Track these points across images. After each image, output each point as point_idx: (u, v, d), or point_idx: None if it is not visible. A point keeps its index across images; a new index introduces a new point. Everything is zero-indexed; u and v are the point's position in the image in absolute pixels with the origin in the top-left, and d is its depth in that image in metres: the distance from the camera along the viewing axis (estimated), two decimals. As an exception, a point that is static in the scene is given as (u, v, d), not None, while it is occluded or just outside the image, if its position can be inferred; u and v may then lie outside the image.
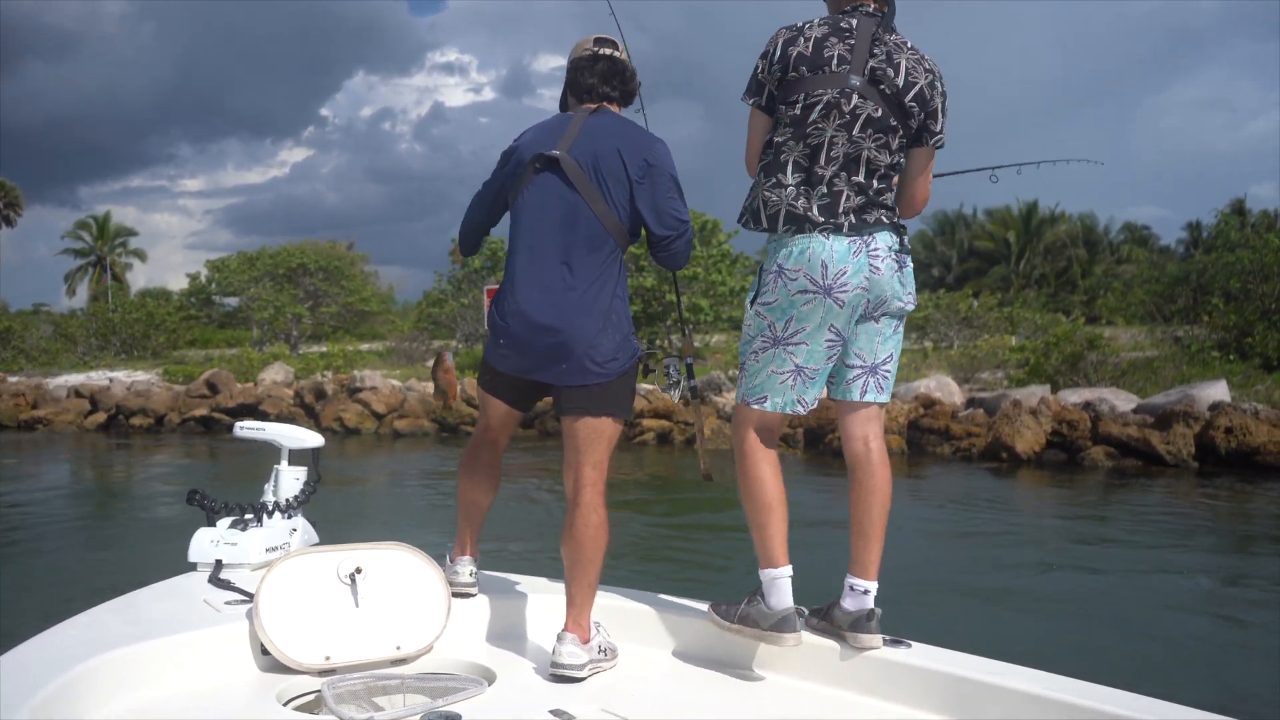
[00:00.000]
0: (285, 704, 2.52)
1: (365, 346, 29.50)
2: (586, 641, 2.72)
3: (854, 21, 2.70)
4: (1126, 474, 12.25)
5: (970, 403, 15.47)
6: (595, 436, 2.80)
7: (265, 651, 2.64)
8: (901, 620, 2.83)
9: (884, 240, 2.68)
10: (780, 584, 2.68)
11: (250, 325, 34.37)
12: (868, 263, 2.64)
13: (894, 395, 15.44)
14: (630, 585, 3.22)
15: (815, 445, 14.64)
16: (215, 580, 3.09)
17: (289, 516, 3.44)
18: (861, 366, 2.78)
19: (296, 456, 3.53)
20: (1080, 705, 2.27)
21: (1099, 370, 16.34)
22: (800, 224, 2.64)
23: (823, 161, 2.65)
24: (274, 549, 3.30)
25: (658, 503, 11.03)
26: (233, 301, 36.03)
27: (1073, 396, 14.42)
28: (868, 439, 2.81)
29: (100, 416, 20.92)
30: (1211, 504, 10.60)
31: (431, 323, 30.05)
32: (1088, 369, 16.30)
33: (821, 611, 2.84)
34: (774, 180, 2.69)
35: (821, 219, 2.63)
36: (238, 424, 3.68)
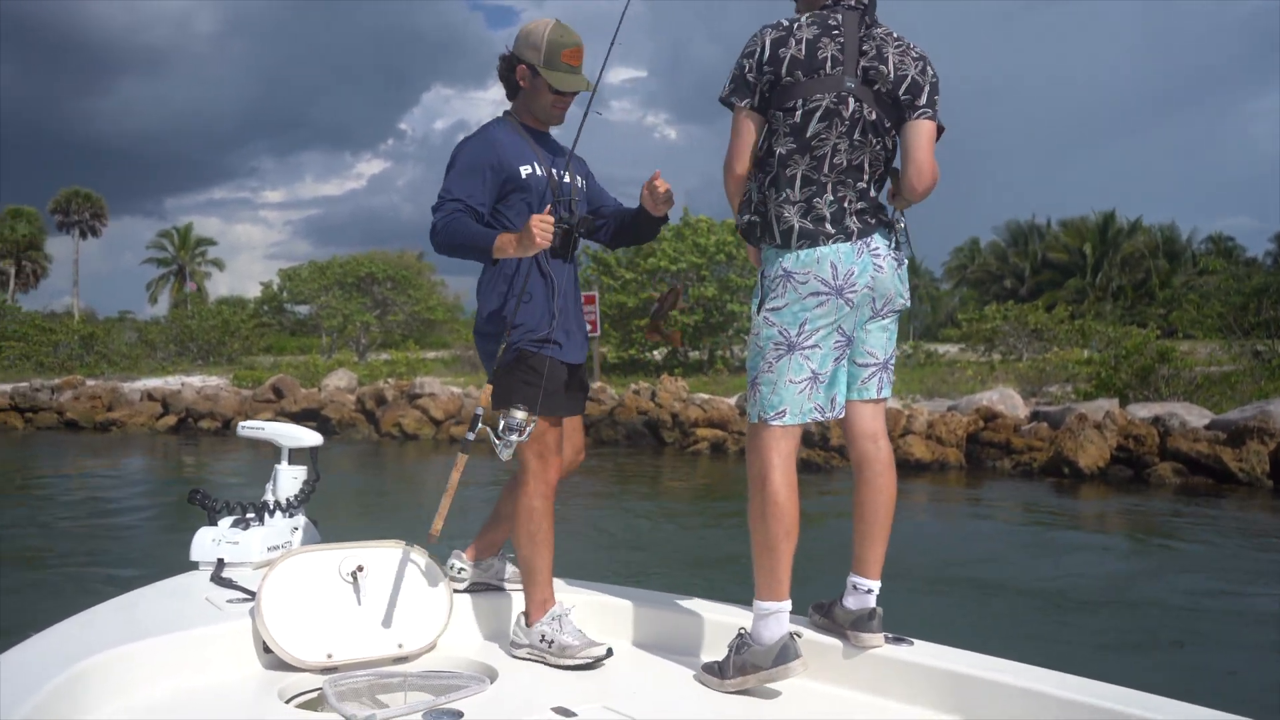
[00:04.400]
0: (287, 701, 2.53)
1: (430, 355, 29.88)
2: (530, 625, 2.85)
3: (839, 17, 2.62)
4: (1195, 491, 11.77)
5: (1034, 416, 15.04)
6: None
7: (267, 649, 2.66)
8: (945, 629, 2.76)
9: (879, 240, 2.66)
10: (779, 617, 2.58)
11: (320, 333, 35.10)
12: (871, 262, 2.62)
13: (953, 407, 15.22)
14: (663, 590, 3.19)
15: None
16: (217, 579, 3.11)
17: (290, 515, 3.47)
18: (875, 363, 2.75)
19: (296, 455, 3.56)
20: (1084, 703, 2.22)
21: (1171, 384, 15.77)
22: (814, 238, 2.59)
23: (826, 170, 2.61)
24: (275, 547, 3.33)
25: (705, 512, 10.93)
26: (304, 309, 36.86)
27: (1142, 411, 13.93)
28: (877, 437, 2.78)
29: (171, 419, 21.54)
30: (1285, 524, 10.13)
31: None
32: (1159, 383, 15.74)
33: (823, 608, 2.81)
34: (784, 195, 2.63)
35: (832, 230, 2.60)
36: (240, 424, 3.73)
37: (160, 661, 2.49)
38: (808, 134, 2.58)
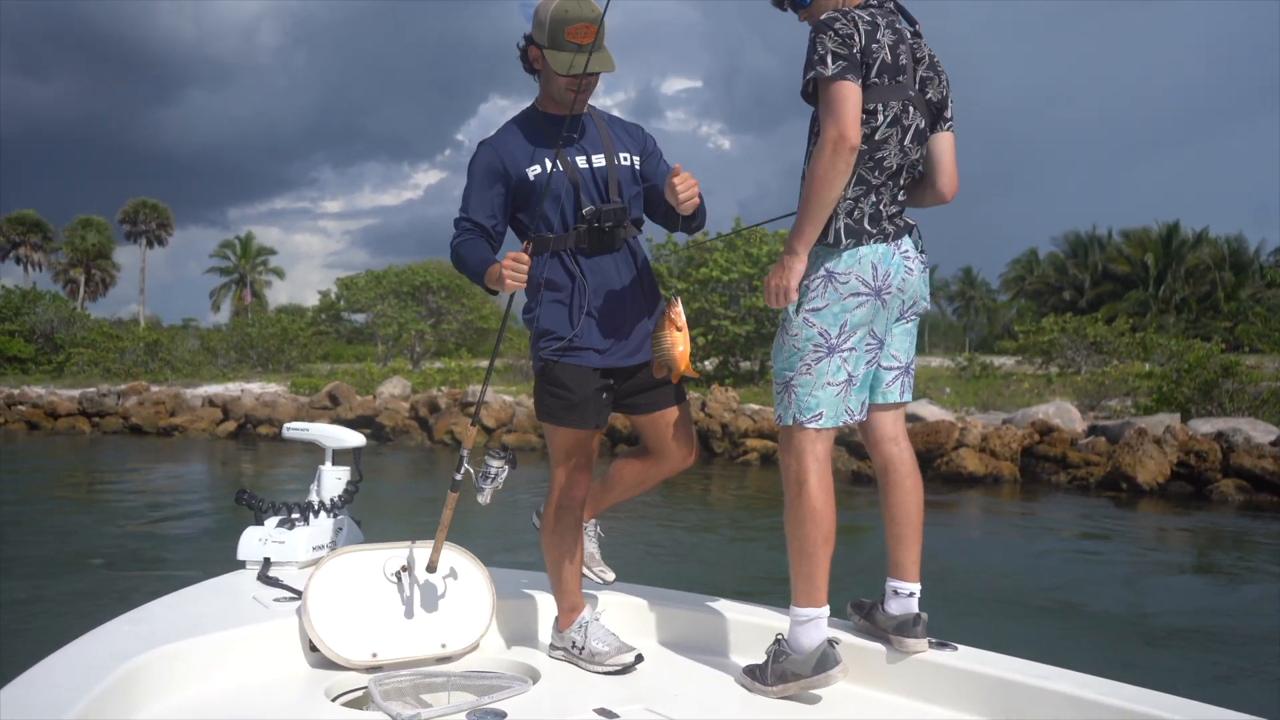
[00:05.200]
0: (333, 700, 2.56)
1: (483, 363, 30.14)
2: (562, 630, 2.86)
3: (894, 19, 2.63)
4: (1260, 509, 11.45)
5: (1092, 430, 14.75)
6: None
7: (313, 648, 2.69)
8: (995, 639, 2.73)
9: (908, 242, 2.68)
10: (818, 624, 2.57)
11: (376, 341, 35.59)
12: (903, 264, 2.63)
13: (1008, 420, 14.97)
14: (711, 594, 3.18)
15: (923, 470, 14.06)
16: (264, 578, 3.16)
17: (334, 515, 3.51)
18: (898, 367, 2.75)
19: (339, 456, 3.60)
20: (1128, 709, 2.19)
21: (1236, 399, 15.35)
22: (859, 237, 2.59)
23: (879, 173, 2.61)
24: (320, 547, 3.37)
25: (752, 522, 10.88)
26: (360, 318, 37.40)
27: (1204, 426, 13.59)
28: (899, 439, 2.78)
29: (230, 425, 22.01)
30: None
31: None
32: (1223, 397, 15.33)
33: (864, 610, 2.79)
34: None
35: (873, 230, 2.60)
36: (285, 425, 3.78)
37: (208, 659, 2.53)
38: (876, 137, 2.58)
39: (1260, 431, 13.12)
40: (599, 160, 2.78)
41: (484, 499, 2.70)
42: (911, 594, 2.70)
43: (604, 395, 2.78)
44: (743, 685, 2.66)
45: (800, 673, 2.53)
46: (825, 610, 2.58)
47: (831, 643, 2.54)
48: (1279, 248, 46.79)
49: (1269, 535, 10.07)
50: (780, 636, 2.61)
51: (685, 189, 2.63)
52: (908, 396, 2.79)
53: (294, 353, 33.02)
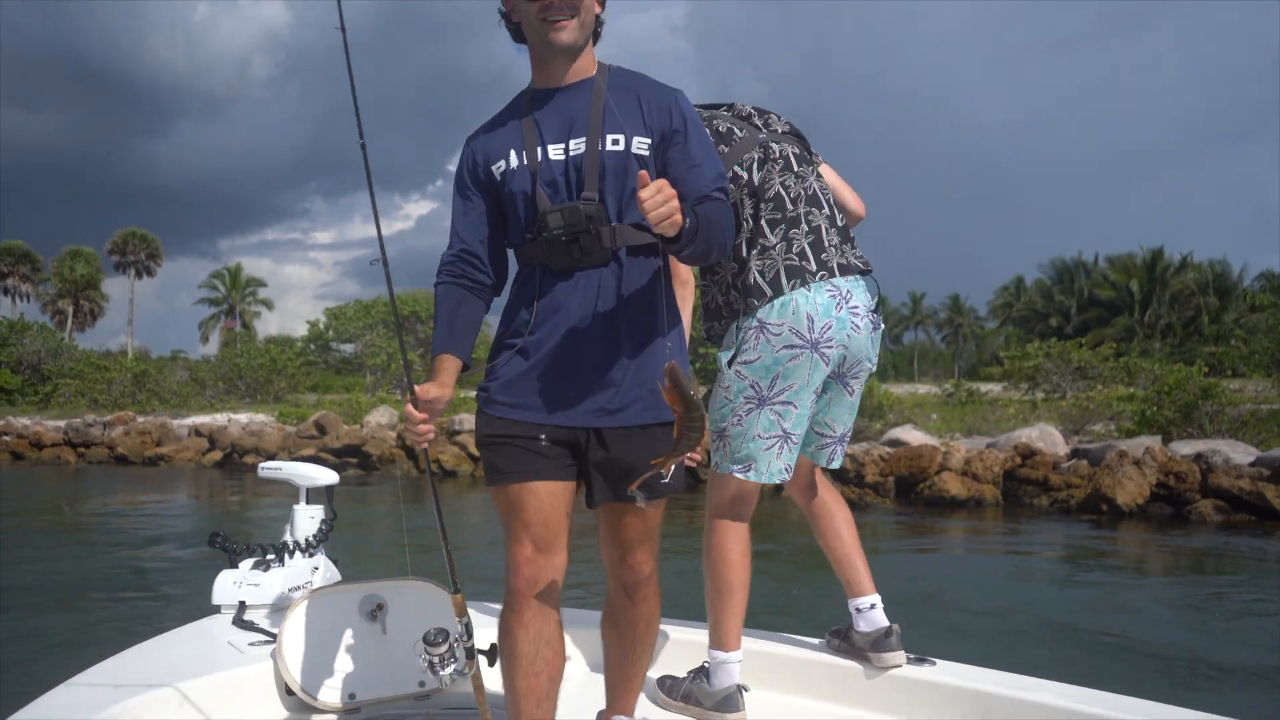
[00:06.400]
0: None
1: (470, 393, 30.11)
2: None
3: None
4: (1238, 528, 11.52)
5: (1074, 453, 14.83)
6: None
7: (289, 691, 2.64)
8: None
9: (861, 299, 2.60)
10: (729, 668, 2.61)
11: (364, 371, 35.60)
12: (850, 319, 2.55)
13: (992, 445, 15.03)
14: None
15: (906, 494, 14.24)
16: (239, 621, 3.09)
17: (309, 555, 3.41)
18: (831, 437, 2.73)
19: (313, 495, 3.54)
20: (1109, 718, 2.20)
21: (1216, 421, 15.46)
22: (797, 277, 2.55)
23: (786, 208, 2.64)
24: (296, 588, 3.27)
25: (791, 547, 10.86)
26: (349, 348, 37.45)
27: (1184, 448, 13.67)
28: (815, 476, 2.83)
29: (216, 454, 21.94)
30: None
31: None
32: (1203, 419, 15.44)
33: (840, 633, 2.82)
34: (758, 248, 2.61)
35: (810, 267, 2.57)
36: (260, 465, 3.73)
37: (184, 707, 2.49)
38: (756, 182, 2.70)
39: (1239, 452, 13.20)
40: (578, 145, 2.08)
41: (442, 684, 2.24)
42: (873, 605, 2.72)
43: (539, 441, 2.08)
44: (652, 687, 2.74)
45: (703, 703, 2.61)
46: (737, 654, 2.61)
47: (741, 689, 2.58)
48: (1263, 272, 47.22)
49: (1248, 552, 10.13)
50: (706, 664, 2.66)
51: (653, 205, 1.82)
52: (837, 464, 2.75)
53: (282, 383, 32.97)
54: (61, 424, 25.27)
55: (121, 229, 55.79)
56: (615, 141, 2.06)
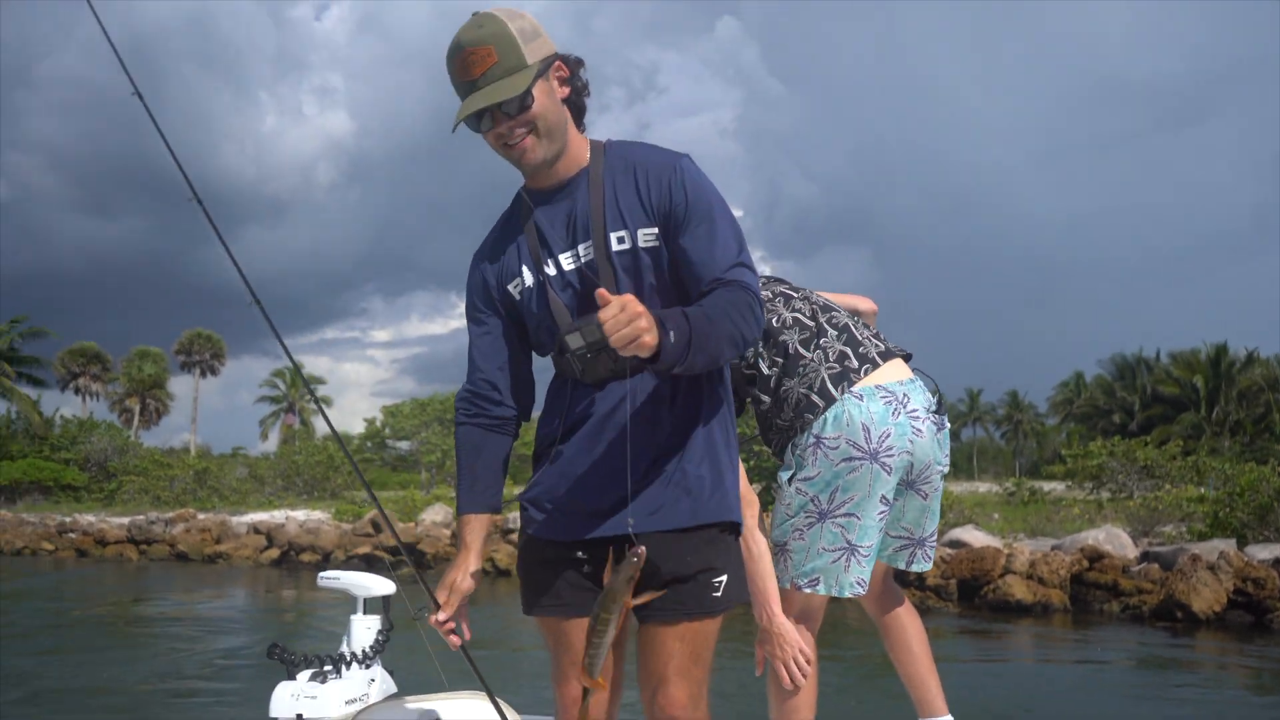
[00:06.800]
0: None
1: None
2: None
3: None
4: (1324, 639, 10.98)
5: (1144, 557, 14.34)
6: None
7: None
8: None
9: (919, 400, 2.54)
10: None
11: (420, 468, 35.87)
12: (909, 424, 2.49)
13: (1057, 547, 14.62)
14: None
15: (969, 597, 13.83)
16: None
17: (366, 666, 3.45)
18: (908, 539, 2.68)
19: (370, 604, 3.60)
20: None
21: (1293, 524, 14.89)
22: (838, 385, 2.50)
23: (807, 319, 2.65)
24: (353, 700, 3.26)
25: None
26: (405, 445, 37.81)
27: (1261, 552, 13.18)
28: (887, 584, 2.78)
29: (274, 552, 22.11)
30: None
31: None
32: (1279, 522, 14.88)
33: None
34: (798, 374, 2.57)
35: (853, 370, 2.52)
36: (320, 575, 3.78)
37: None
38: (775, 324, 2.71)
39: (1320, 558, 12.69)
40: (587, 251, 1.94)
41: None
42: None
43: (581, 566, 1.98)
44: None
45: None
46: None
47: None
48: (1333, 368, 45.92)
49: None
50: None
51: (614, 327, 1.61)
52: (918, 566, 2.69)
53: (339, 480, 33.31)
54: (125, 521, 25.74)
55: (188, 330, 57.56)
56: (620, 240, 1.91)
